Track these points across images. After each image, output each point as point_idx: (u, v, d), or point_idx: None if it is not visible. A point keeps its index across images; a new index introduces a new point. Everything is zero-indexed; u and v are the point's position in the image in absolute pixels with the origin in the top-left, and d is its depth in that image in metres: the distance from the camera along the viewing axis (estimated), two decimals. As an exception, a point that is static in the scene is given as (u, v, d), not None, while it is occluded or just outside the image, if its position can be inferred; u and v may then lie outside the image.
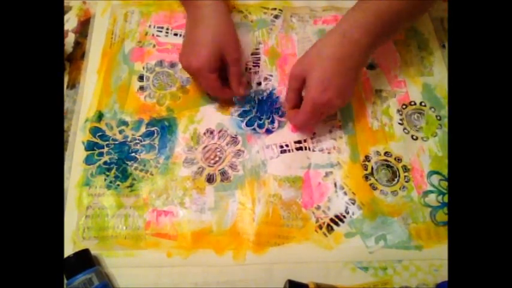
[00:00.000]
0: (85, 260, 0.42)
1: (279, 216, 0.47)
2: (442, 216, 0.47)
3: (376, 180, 0.49)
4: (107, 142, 0.50)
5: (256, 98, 0.53)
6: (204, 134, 0.51)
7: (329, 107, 0.46)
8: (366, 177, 0.49)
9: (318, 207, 0.47)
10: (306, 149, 0.50)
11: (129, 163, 0.49)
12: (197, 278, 0.43)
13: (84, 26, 0.59)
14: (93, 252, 0.43)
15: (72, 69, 0.56)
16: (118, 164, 0.49)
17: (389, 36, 0.50)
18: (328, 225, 0.46)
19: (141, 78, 0.55)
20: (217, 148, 0.50)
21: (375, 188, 0.48)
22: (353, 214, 0.47)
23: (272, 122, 0.51)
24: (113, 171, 0.49)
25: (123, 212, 0.46)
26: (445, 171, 0.50)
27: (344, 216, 0.47)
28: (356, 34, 0.45)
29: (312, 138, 0.51)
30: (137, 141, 0.51)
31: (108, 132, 0.51)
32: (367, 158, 0.50)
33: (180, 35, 0.58)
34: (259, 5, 0.61)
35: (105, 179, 0.48)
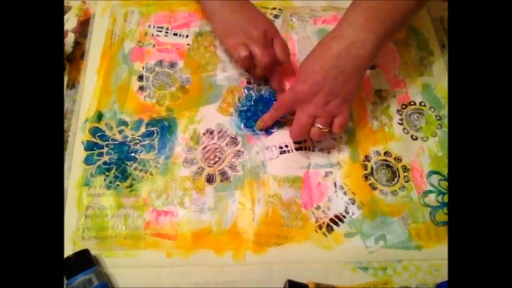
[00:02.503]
0: (85, 260, 0.42)
1: (278, 216, 0.47)
2: (442, 216, 0.47)
3: (376, 180, 0.49)
4: (107, 142, 0.50)
5: (256, 99, 0.53)
6: (204, 134, 0.51)
7: (314, 102, 0.44)
8: (366, 177, 0.49)
9: (318, 207, 0.47)
10: (305, 149, 0.50)
11: (129, 163, 0.49)
12: (197, 278, 0.43)
13: (84, 26, 0.59)
14: (93, 252, 0.43)
15: (72, 69, 0.56)
16: (118, 164, 0.49)
17: (390, 33, 0.45)
18: (328, 225, 0.46)
19: (140, 78, 0.55)
20: (217, 148, 0.50)
21: (374, 188, 0.48)
22: (353, 214, 0.47)
23: (272, 122, 0.51)
24: (113, 171, 0.49)
25: (123, 212, 0.46)
26: (445, 171, 0.50)
27: (344, 216, 0.47)
28: (348, 35, 0.43)
29: (311, 138, 0.51)
30: (137, 141, 0.50)
31: (107, 132, 0.51)
32: (367, 158, 0.50)
33: (180, 35, 0.58)
34: (259, 5, 0.61)
35: (104, 179, 0.48)
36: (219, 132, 0.51)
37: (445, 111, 0.53)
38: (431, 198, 0.48)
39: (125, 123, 0.52)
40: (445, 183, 0.49)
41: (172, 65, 0.56)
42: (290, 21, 0.60)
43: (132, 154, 0.50)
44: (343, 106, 0.45)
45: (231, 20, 0.51)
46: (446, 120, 0.53)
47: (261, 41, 0.48)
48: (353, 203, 0.47)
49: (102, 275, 0.41)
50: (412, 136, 0.52)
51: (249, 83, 0.55)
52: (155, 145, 0.50)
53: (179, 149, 0.50)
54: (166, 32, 0.58)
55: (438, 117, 0.53)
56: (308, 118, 0.45)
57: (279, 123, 0.52)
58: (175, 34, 0.58)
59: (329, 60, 0.43)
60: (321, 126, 0.45)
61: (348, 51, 0.42)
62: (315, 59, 0.44)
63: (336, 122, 0.45)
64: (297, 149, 0.50)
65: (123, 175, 0.48)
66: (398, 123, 0.53)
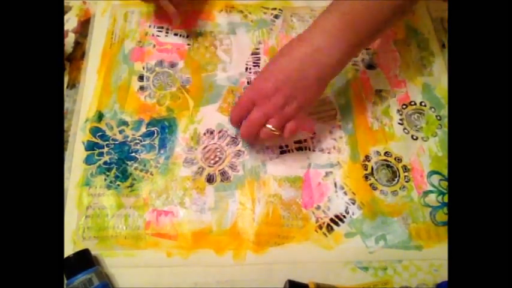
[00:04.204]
0: (85, 260, 0.42)
1: (279, 216, 0.47)
2: (442, 216, 0.47)
3: (376, 180, 0.49)
4: (107, 142, 0.50)
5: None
6: (204, 134, 0.51)
7: (272, 101, 0.42)
8: (366, 177, 0.49)
9: (318, 207, 0.47)
10: (306, 149, 0.50)
11: (129, 163, 0.49)
12: (197, 278, 0.43)
13: (84, 26, 0.59)
14: (93, 252, 0.43)
15: (72, 69, 0.56)
16: (118, 164, 0.49)
17: (362, 42, 0.43)
18: (328, 225, 0.46)
19: (141, 78, 0.55)
20: (217, 148, 0.50)
21: (375, 188, 0.48)
22: (353, 214, 0.47)
23: (272, 122, 0.51)
24: (113, 171, 0.49)
25: (123, 212, 0.46)
26: (445, 171, 0.50)
27: (344, 216, 0.47)
28: (317, 40, 0.42)
29: (312, 138, 0.51)
30: (137, 141, 0.51)
31: (108, 132, 0.51)
32: (367, 158, 0.50)
33: (181, 35, 0.58)
34: (259, 5, 0.61)
35: (105, 179, 0.48)
36: (219, 132, 0.51)
37: (445, 111, 0.53)
38: (432, 198, 0.48)
39: (125, 123, 0.52)
40: (445, 183, 0.49)
41: (173, 65, 0.56)
42: (290, 21, 0.60)
43: (133, 154, 0.50)
44: (298, 112, 0.43)
45: None
46: (446, 120, 0.53)
47: None
48: (353, 203, 0.47)
49: (102, 275, 0.41)
50: (412, 136, 0.52)
51: (249, 83, 0.55)
52: (155, 145, 0.50)
53: (179, 149, 0.50)
54: (167, 32, 0.59)
55: (438, 117, 0.53)
56: (261, 116, 0.44)
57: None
58: (175, 34, 0.58)
59: (293, 62, 0.42)
60: (271, 128, 0.44)
61: (313, 56, 0.41)
62: (281, 58, 0.44)
63: (287, 127, 0.44)
64: (297, 149, 0.50)
65: (124, 175, 0.48)
66: (399, 123, 0.53)
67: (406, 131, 0.52)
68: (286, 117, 0.43)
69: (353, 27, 0.41)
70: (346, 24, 0.41)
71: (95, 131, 0.51)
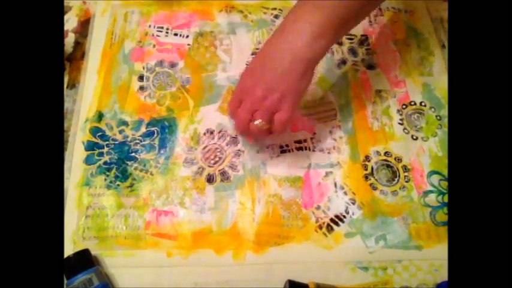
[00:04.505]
0: (85, 260, 0.42)
1: (279, 216, 0.47)
2: (442, 216, 0.47)
3: (376, 180, 0.49)
4: (107, 142, 0.50)
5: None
6: (204, 134, 0.51)
7: (252, 96, 0.42)
8: (366, 177, 0.49)
9: (318, 207, 0.47)
10: (306, 149, 0.50)
11: (129, 163, 0.49)
12: (197, 278, 0.43)
13: (84, 26, 0.59)
14: (93, 252, 0.43)
15: (72, 69, 0.56)
16: (118, 164, 0.49)
17: (333, 24, 0.41)
18: (328, 225, 0.46)
19: (141, 78, 0.55)
20: (217, 148, 0.50)
21: (375, 188, 0.48)
22: (353, 214, 0.47)
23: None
24: (113, 171, 0.49)
25: (123, 212, 0.46)
26: (445, 171, 0.50)
27: (344, 216, 0.47)
28: (285, 27, 0.41)
29: (312, 138, 0.51)
30: (137, 141, 0.51)
31: (108, 132, 0.51)
32: (367, 158, 0.50)
33: (181, 35, 0.58)
34: (259, 5, 0.61)
35: (105, 179, 0.48)
36: (219, 132, 0.51)
37: (445, 111, 0.53)
38: (432, 198, 0.48)
39: (125, 123, 0.52)
40: (445, 183, 0.49)
41: (173, 65, 0.56)
42: (290, 21, 0.60)
43: (133, 154, 0.50)
44: (282, 102, 0.41)
45: None
46: (446, 120, 0.53)
47: None
48: (353, 203, 0.48)
49: (102, 275, 0.41)
50: (412, 136, 0.52)
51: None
52: (155, 145, 0.50)
53: (179, 149, 0.50)
54: (167, 32, 0.59)
55: (438, 117, 0.53)
56: (246, 112, 0.43)
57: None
58: (175, 34, 0.58)
59: (268, 53, 0.42)
60: (257, 122, 0.43)
61: (285, 41, 0.41)
62: (260, 53, 0.44)
63: (275, 118, 0.42)
64: (297, 149, 0.50)
65: (124, 175, 0.48)
66: (399, 123, 0.53)
67: (406, 131, 0.52)
68: (270, 109, 0.42)
69: (318, 9, 0.40)
70: (312, 7, 0.40)
71: (94, 131, 0.51)
